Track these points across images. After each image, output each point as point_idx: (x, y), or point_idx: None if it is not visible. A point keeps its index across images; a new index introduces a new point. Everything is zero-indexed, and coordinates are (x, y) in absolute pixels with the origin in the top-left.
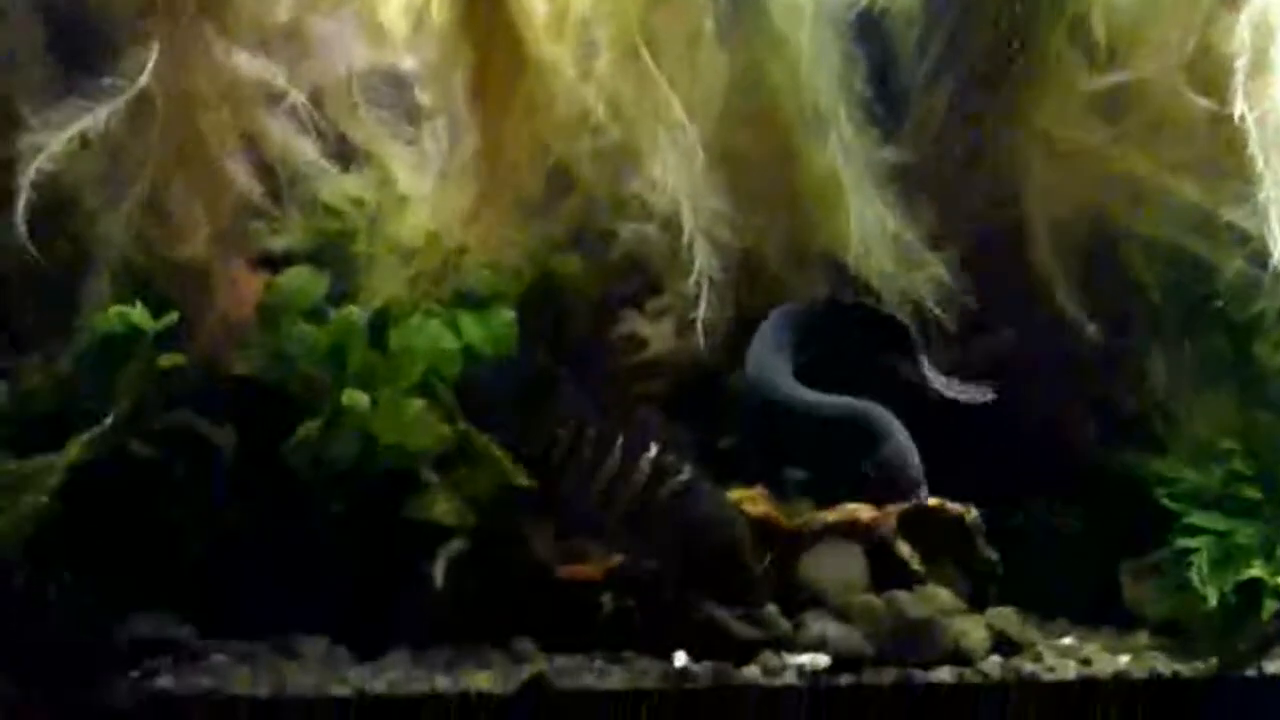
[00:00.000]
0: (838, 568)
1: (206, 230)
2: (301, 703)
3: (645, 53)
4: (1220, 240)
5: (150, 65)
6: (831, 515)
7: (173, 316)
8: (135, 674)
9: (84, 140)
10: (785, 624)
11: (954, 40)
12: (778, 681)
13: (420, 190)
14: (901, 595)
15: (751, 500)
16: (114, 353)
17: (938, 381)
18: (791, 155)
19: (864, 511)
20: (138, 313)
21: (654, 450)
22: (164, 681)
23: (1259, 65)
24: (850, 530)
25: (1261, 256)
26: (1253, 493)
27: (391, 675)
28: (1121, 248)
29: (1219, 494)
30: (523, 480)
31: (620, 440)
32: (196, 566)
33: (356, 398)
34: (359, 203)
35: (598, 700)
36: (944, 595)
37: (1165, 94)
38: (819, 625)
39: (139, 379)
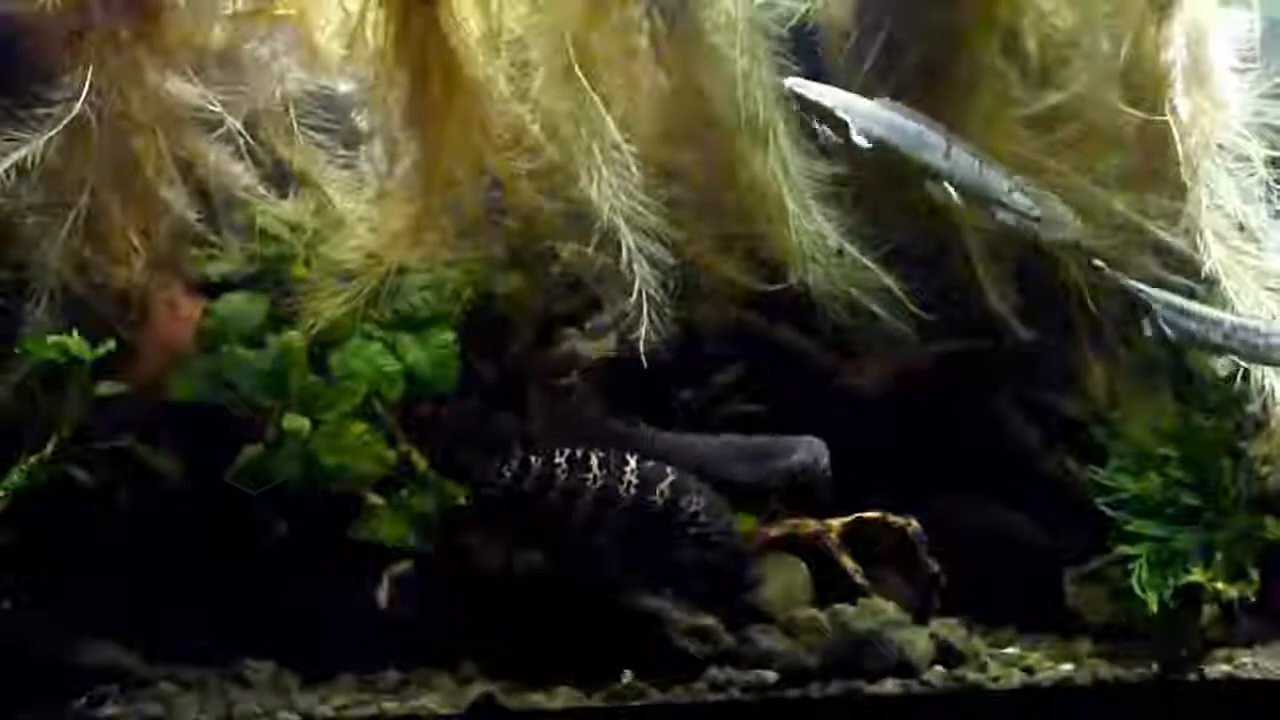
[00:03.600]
0: (781, 582)
1: (144, 256)
2: None
3: (579, 71)
4: (1151, 251)
5: (85, 91)
6: (774, 529)
7: (110, 345)
8: (81, 702)
9: (20, 169)
10: (730, 639)
11: (887, 53)
12: (724, 697)
13: (358, 213)
14: (846, 608)
15: None
16: (53, 381)
17: None
18: (731, 169)
19: (807, 525)
20: (75, 341)
21: (634, 462)
22: (111, 709)
23: (1193, 71)
24: (793, 544)
25: (1189, 266)
26: (1191, 499)
27: (339, 699)
28: (1057, 258)
29: (1158, 501)
30: (465, 501)
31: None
32: (141, 593)
33: (298, 422)
34: (296, 227)
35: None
36: (888, 607)
37: (1097, 106)
38: (764, 640)
39: (78, 406)
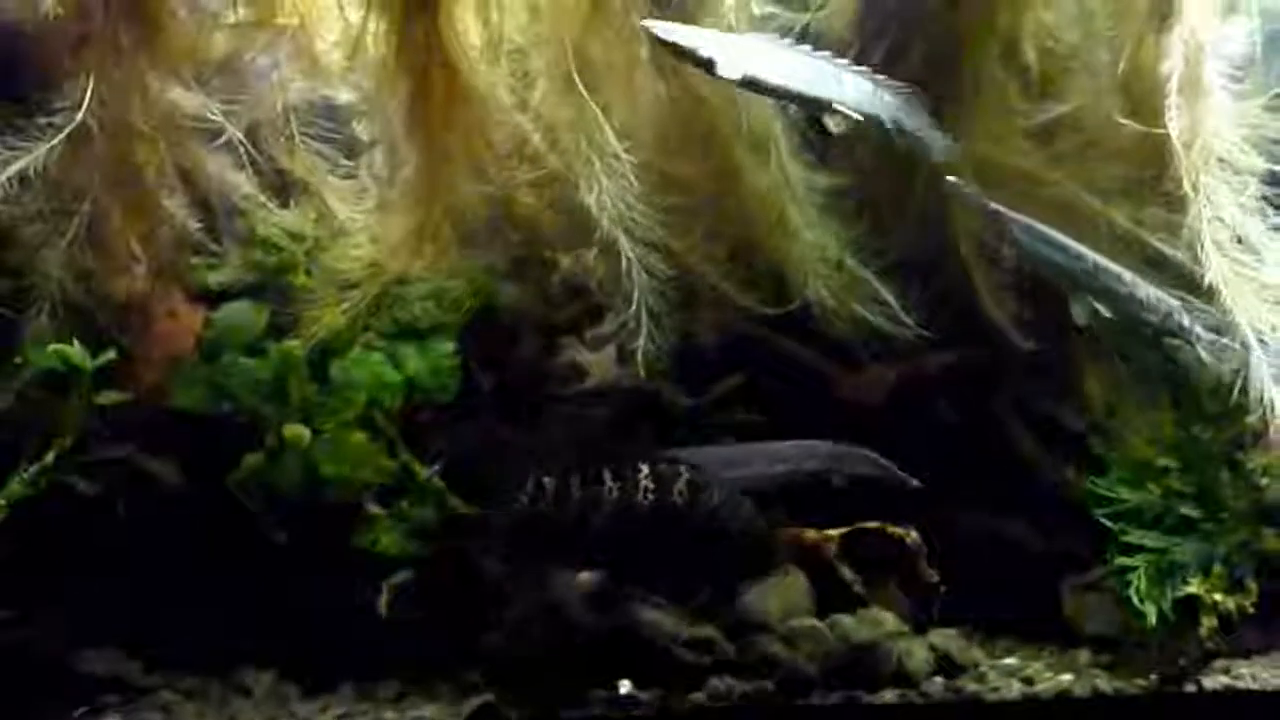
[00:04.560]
0: (781, 592)
1: (145, 265)
2: None
3: (579, 80)
4: (1148, 263)
5: (87, 100)
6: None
7: (111, 354)
8: (82, 711)
9: (22, 177)
10: (730, 649)
11: (888, 63)
12: (724, 706)
13: (359, 222)
14: (845, 618)
15: None
16: (54, 389)
17: None
18: (731, 179)
19: (806, 535)
20: (76, 351)
21: (646, 468)
22: (111, 718)
23: (1190, 85)
24: (793, 554)
25: (1189, 279)
26: (1189, 510)
27: (339, 709)
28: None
29: (1157, 512)
30: (466, 511)
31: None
32: (142, 601)
33: (298, 431)
34: (297, 236)
35: None
36: (887, 617)
37: (1097, 118)
38: (764, 650)
39: (79, 415)
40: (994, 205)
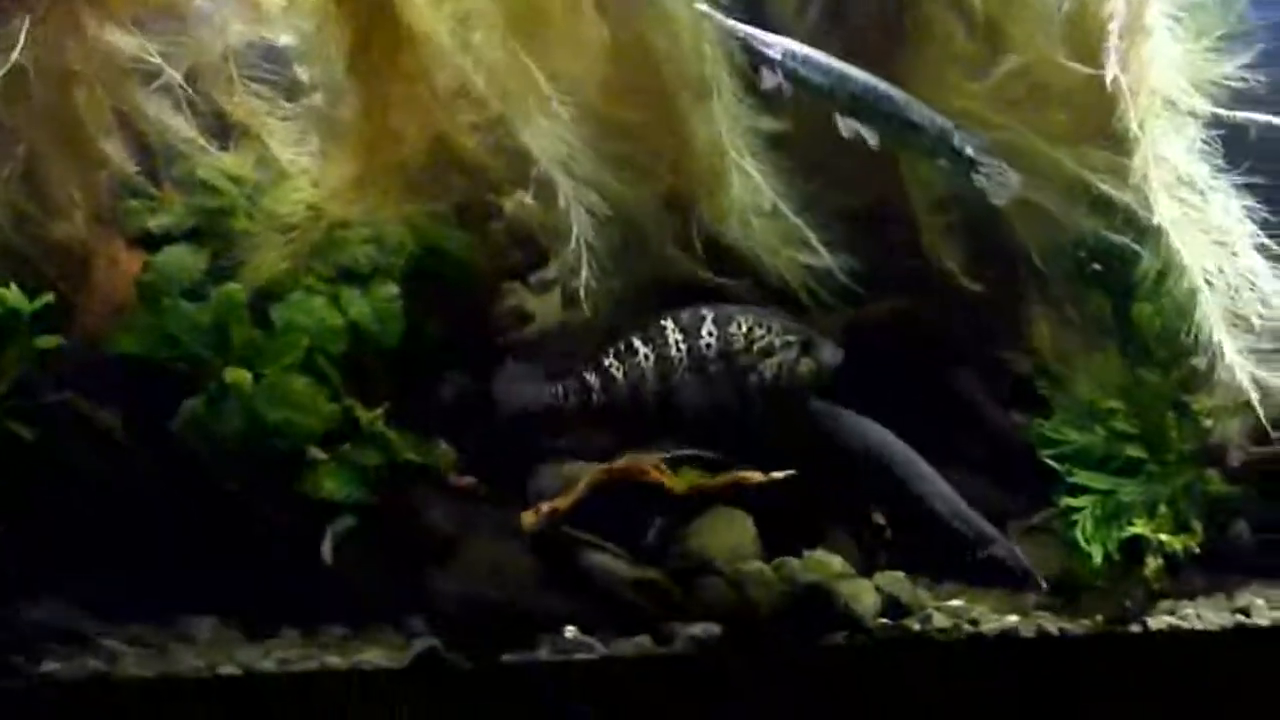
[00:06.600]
0: (727, 535)
1: (83, 209)
2: (190, 684)
3: (521, 24)
4: (1094, 206)
5: (22, 41)
6: (717, 480)
7: (48, 297)
8: (21, 658)
9: None
10: (677, 592)
11: (833, 6)
12: (670, 650)
13: (300, 165)
14: (792, 561)
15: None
16: None
17: None
18: (673, 124)
19: (750, 477)
20: (14, 294)
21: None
22: (52, 665)
23: (1133, 28)
24: (737, 495)
25: (1134, 222)
26: (1136, 452)
27: (281, 654)
28: (1002, 213)
29: (1103, 453)
30: (410, 456)
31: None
32: (84, 548)
33: (240, 375)
34: (237, 179)
35: (491, 673)
36: (834, 561)
37: (1042, 62)
38: (711, 593)
39: (17, 360)
40: (749, 29)
